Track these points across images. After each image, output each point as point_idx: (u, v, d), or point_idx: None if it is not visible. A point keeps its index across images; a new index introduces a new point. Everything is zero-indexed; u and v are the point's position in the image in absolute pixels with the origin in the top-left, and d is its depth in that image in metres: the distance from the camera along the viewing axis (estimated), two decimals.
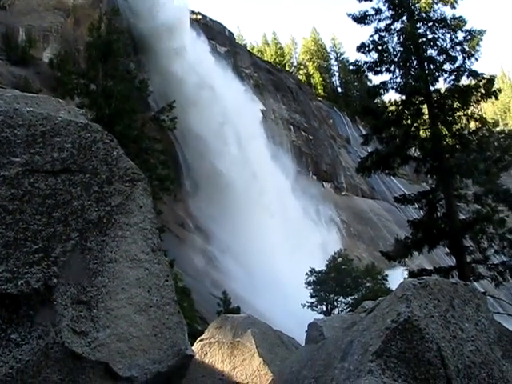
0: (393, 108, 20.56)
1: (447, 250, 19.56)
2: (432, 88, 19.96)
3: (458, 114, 19.73)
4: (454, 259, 19.19)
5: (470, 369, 3.80)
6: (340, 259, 44.23)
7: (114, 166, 4.16)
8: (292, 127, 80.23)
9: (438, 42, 20.22)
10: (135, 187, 4.23)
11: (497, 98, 20.92)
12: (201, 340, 9.02)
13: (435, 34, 20.28)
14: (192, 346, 6.50)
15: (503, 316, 23.52)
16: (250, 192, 55.52)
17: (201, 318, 32.56)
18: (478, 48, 19.98)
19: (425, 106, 20.04)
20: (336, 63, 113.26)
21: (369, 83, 58.25)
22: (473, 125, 20.35)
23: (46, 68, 34.94)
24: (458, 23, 20.13)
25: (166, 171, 27.04)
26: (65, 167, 3.93)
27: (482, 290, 20.07)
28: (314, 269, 43.54)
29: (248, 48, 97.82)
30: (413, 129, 20.07)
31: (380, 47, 20.39)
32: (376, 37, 20.50)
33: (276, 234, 53.37)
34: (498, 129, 20.18)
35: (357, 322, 4.50)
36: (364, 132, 22.84)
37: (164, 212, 34.21)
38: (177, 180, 38.88)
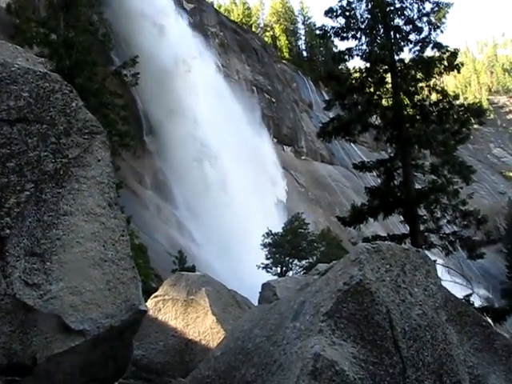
0: (357, 75, 20.57)
1: (402, 218, 19.93)
2: (396, 57, 20.03)
3: (420, 84, 19.88)
4: (408, 227, 19.59)
5: (415, 331, 3.93)
6: (297, 223, 44.64)
7: (72, 118, 4.08)
8: (255, 89, 79.75)
9: (405, 12, 20.22)
10: (94, 140, 4.17)
11: (459, 72, 21.13)
12: (155, 297, 9.07)
13: (403, 3, 20.27)
14: (146, 302, 6.52)
15: (450, 283, 24.22)
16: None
17: (156, 275, 32.60)
18: (444, 20, 20.07)
19: (388, 74, 20.13)
20: (303, 27, 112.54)
21: (334, 49, 58.21)
22: (434, 96, 20.53)
23: (4, 14, 33.66)
24: None
25: (126, 127, 26.65)
26: (21, 116, 3.84)
27: (433, 258, 20.62)
28: (270, 231, 43.87)
29: (215, 6, 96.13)
30: (375, 97, 20.17)
31: (348, 13, 20.28)
32: (344, 2, 20.38)
33: (235, 194, 53.44)
34: (458, 102, 20.37)
35: (310, 284, 4.58)
36: (327, 97, 22.77)
37: (122, 168, 33.86)
38: (137, 137, 38.35)
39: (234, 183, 54.40)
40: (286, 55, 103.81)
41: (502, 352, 4.69)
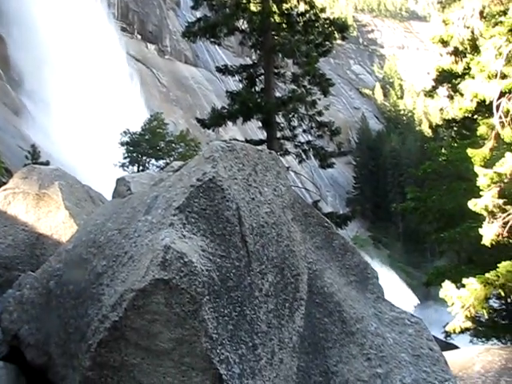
0: None
1: (260, 124, 20.32)
2: None
3: None
4: (266, 134, 20.07)
5: (262, 228, 4.13)
6: (156, 122, 44.08)
7: None
8: None
9: None
10: None
11: None
12: (4, 190, 8.68)
13: None
14: None
15: (302, 190, 25.48)
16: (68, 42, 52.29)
17: (6, 169, 31.04)
18: None
19: None
20: None
21: None
22: (302, 7, 20.62)
23: None
24: None
25: None
26: None
27: (287, 165, 21.42)
28: (128, 129, 43.07)
29: None
30: (244, 0, 19.89)
31: None
32: None
33: (90, 91, 51.38)
34: (324, 15, 20.65)
35: (164, 179, 4.62)
36: None
37: None
38: None
39: (87, 82, 52.09)
40: None
41: (338, 250, 5.11)
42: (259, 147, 4.50)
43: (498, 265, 11.46)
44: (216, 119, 19.75)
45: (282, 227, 4.29)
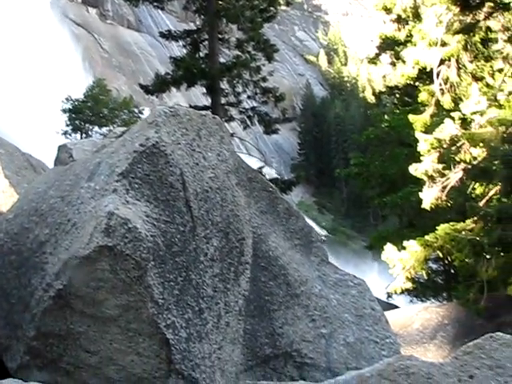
0: None
1: (204, 90, 20.17)
2: None
3: None
4: (210, 100, 19.95)
5: (207, 193, 4.13)
6: (98, 89, 43.14)
7: None
8: None
9: None
10: None
11: None
12: None
13: None
14: None
15: (247, 156, 25.44)
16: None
17: None
18: None
19: None
20: None
21: None
22: None
23: None
24: None
25: None
26: None
27: (232, 132, 21.38)
28: (70, 96, 42.03)
29: None
30: None
31: None
32: None
33: (30, 53, 49.77)
34: None
35: (107, 146, 4.56)
36: None
37: None
38: None
39: (21, 47, 50.41)
40: None
41: (283, 215, 5.17)
42: (203, 112, 4.48)
43: (437, 227, 11.82)
44: (160, 85, 19.51)
45: (226, 192, 4.30)
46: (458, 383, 3.88)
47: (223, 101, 20.03)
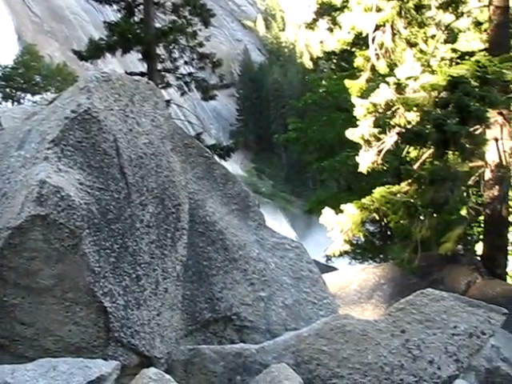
0: None
1: (140, 56, 19.77)
2: None
3: None
4: (146, 66, 19.58)
5: (141, 159, 4.08)
6: (29, 55, 41.67)
7: None
8: None
9: None
10: None
11: None
12: None
13: None
14: None
15: (184, 123, 25.31)
16: None
17: None
18: None
19: None
20: None
21: None
22: None
23: None
24: None
25: None
26: None
27: (169, 98, 21.14)
28: None
29: None
30: None
31: None
32: None
33: None
34: None
35: (37, 113, 4.42)
36: None
37: None
38: None
39: None
40: None
41: (220, 180, 5.17)
42: (136, 77, 4.40)
43: (374, 191, 12.08)
44: (94, 51, 19.00)
45: (161, 158, 4.26)
46: (391, 338, 4.04)
47: (160, 67, 19.72)
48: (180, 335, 4.44)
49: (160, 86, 18.65)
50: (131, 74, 19.51)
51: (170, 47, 19.58)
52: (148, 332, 3.90)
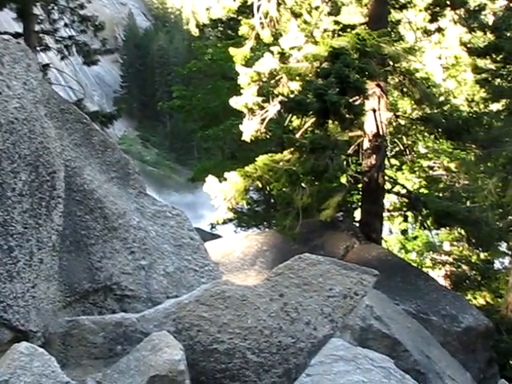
0: None
1: (15, 15, 18.63)
2: None
3: None
4: (22, 26, 18.48)
5: (12, 124, 3.87)
6: None
7: None
8: None
9: None
10: None
11: None
12: None
13: None
14: None
15: (65, 88, 24.35)
16: None
17: None
18: None
19: None
20: None
21: None
22: None
23: None
24: None
25: None
26: None
27: (48, 62, 20.18)
28: None
29: None
30: None
31: None
32: None
33: None
34: None
35: None
36: None
37: None
38: None
39: None
40: None
41: (98, 147, 5.03)
42: (5, 36, 4.13)
43: (256, 159, 12.23)
44: None
45: (34, 123, 4.05)
46: (270, 302, 4.15)
47: (37, 28, 18.66)
48: (58, 307, 4.32)
49: (38, 48, 17.75)
50: (5, 33, 18.39)
51: (49, 7, 18.59)
52: (22, 305, 3.75)
